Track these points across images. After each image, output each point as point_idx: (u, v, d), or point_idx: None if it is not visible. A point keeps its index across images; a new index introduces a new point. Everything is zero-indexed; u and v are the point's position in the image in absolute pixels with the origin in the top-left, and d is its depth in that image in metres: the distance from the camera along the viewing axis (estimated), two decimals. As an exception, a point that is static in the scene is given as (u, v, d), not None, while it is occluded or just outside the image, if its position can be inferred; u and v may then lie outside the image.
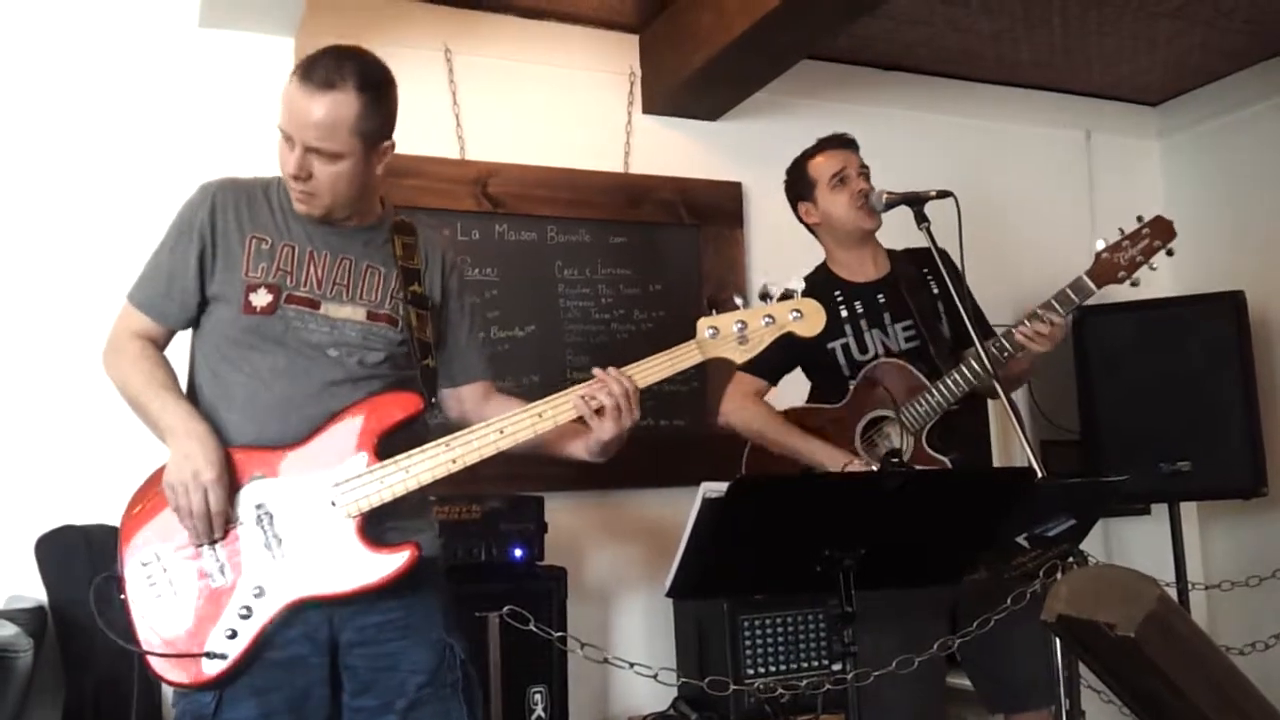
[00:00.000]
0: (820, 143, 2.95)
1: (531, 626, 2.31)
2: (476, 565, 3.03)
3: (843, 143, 2.92)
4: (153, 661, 1.94)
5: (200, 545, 1.95)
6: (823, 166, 2.89)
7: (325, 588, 1.97)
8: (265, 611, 1.95)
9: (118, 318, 2.14)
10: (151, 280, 2.11)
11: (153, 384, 2.03)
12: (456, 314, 2.27)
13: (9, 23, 3.11)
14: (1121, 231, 2.62)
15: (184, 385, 2.10)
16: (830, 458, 2.70)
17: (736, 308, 2.14)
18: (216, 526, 1.94)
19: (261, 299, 2.04)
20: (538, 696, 3.03)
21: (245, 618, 1.94)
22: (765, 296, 2.14)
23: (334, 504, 1.99)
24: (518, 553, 3.11)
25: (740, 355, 2.15)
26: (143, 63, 3.17)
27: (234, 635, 1.93)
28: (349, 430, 2.03)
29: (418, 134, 3.66)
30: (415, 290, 2.15)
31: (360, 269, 2.12)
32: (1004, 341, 2.63)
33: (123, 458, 3.07)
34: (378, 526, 2.01)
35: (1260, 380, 4.07)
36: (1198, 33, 4.15)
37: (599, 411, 2.08)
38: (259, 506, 1.98)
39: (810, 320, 2.14)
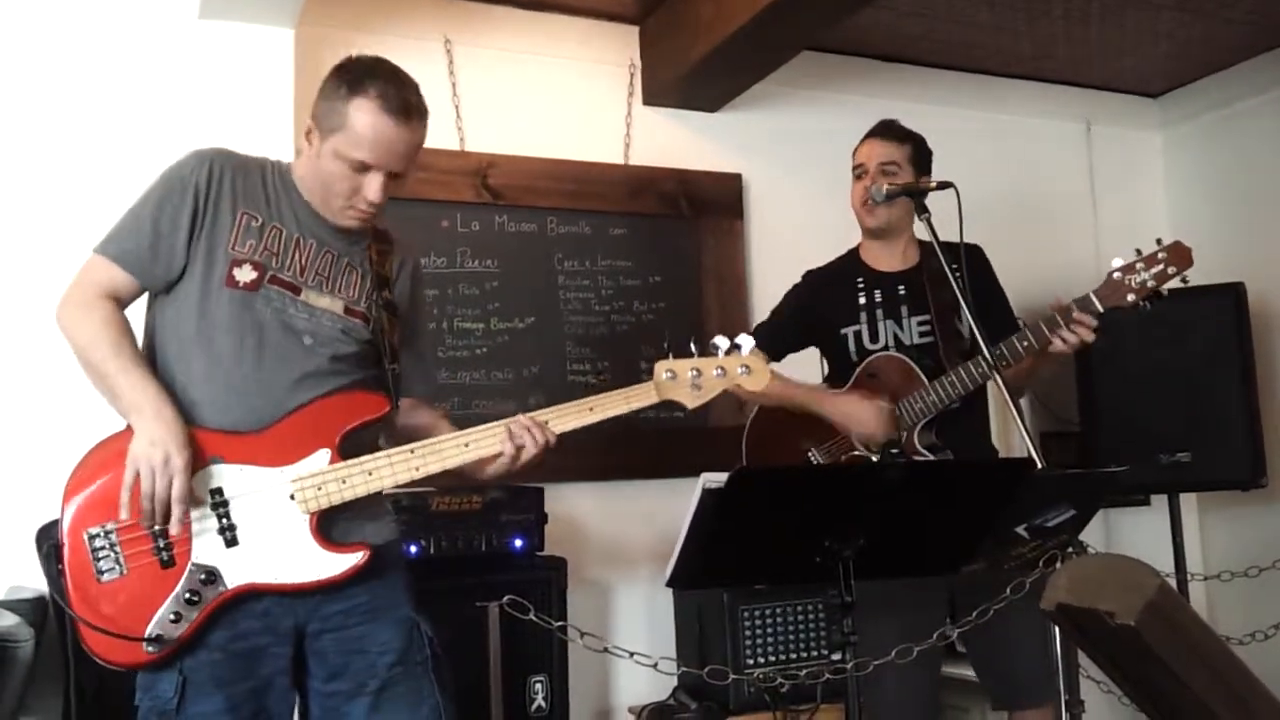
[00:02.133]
0: (872, 128, 2.91)
1: (532, 616, 2.31)
2: (477, 556, 3.03)
3: (880, 132, 2.88)
4: (91, 641, 1.91)
5: (153, 527, 1.92)
6: (857, 155, 2.89)
7: (274, 578, 1.98)
8: (211, 597, 1.94)
9: (83, 270, 2.07)
10: (133, 234, 2.05)
11: (121, 354, 1.98)
12: (415, 325, 2.32)
13: (9, 14, 3.10)
14: (1138, 253, 2.55)
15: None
16: (835, 404, 2.73)
17: (692, 355, 2.22)
18: (175, 513, 1.91)
19: (246, 274, 2.03)
20: (538, 686, 3.04)
21: (192, 602, 1.93)
22: (715, 349, 2.22)
23: (292, 498, 1.99)
24: (518, 543, 3.11)
25: (692, 401, 2.22)
26: (144, 54, 3.17)
27: (177, 619, 1.92)
28: (314, 424, 2.02)
29: (418, 125, 3.67)
30: (387, 296, 2.19)
31: (341, 264, 2.14)
32: (1015, 344, 2.60)
33: (123, 448, 3.08)
34: (331, 521, 2.02)
35: (1260, 372, 4.07)
36: (1199, 24, 4.14)
37: (519, 449, 2.10)
38: (215, 491, 1.97)
39: (757, 376, 2.23)
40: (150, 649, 1.90)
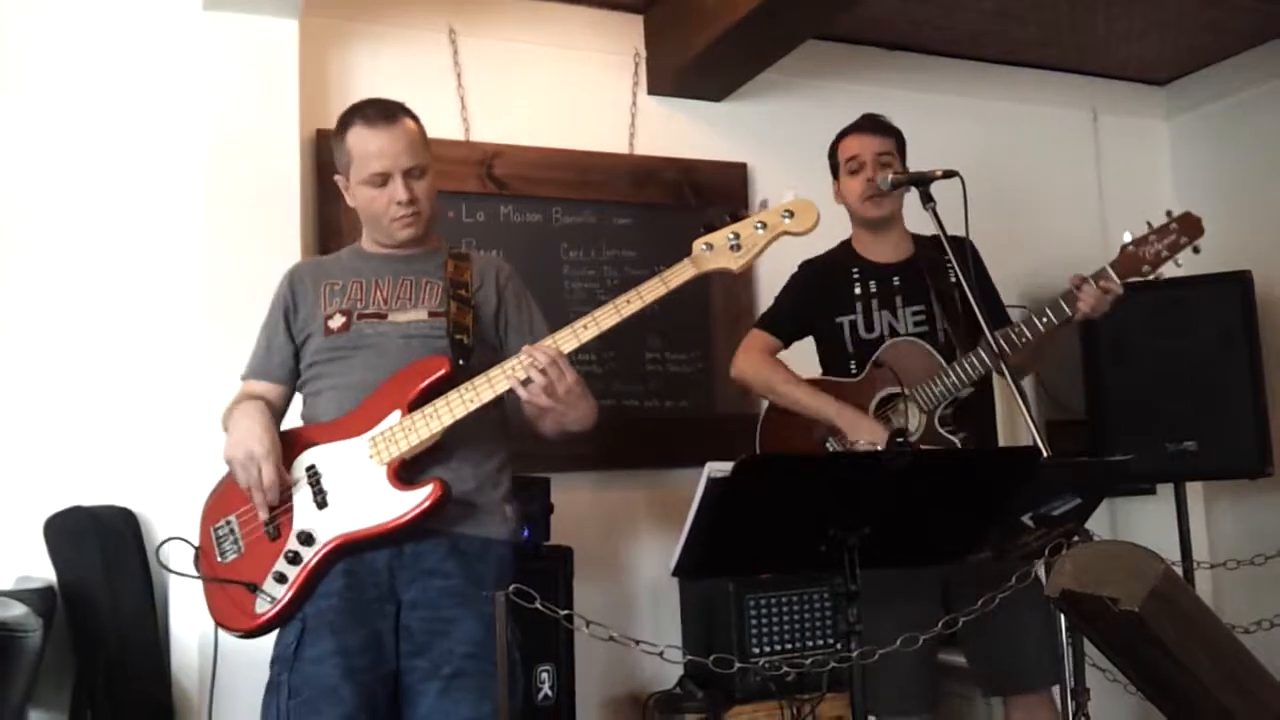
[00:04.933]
0: (854, 123, 2.95)
1: (538, 605, 2.31)
2: (483, 545, 3.03)
3: (870, 127, 2.91)
4: (212, 609, 2.22)
5: (261, 510, 2.20)
6: (845, 149, 2.92)
7: (359, 525, 2.19)
8: (310, 554, 2.19)
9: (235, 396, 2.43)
10: (254, 353, 2.46)
11: (231, 409, 2.35)
12: (518, 317, 2.49)
13: (15, 7, 3.11)
14: (1149, 225, 2.62)
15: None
16: (840, 413, 2.73)
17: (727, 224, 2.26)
18: (271, 494, 2.19)
19: (337, 322, 2.36)
20: (544, 675, 3.05)
21: (293, 561, 2.18)
22: (763, 207, 2.28)
23: (369, 456, 2.21)
24: (524, 533, 3.11)
25: (735, 262, 2.24)
26: (149, 46, 3.18)
27: (283, 579, 2.18)
28: (389, 394, 2.26)
29: (422, 115, 3.64)
30: (460, 292, 2.40)
31: (421, 284, 2.40)
32: (1024, 328, 2.62)
33: (130, 440, 3.10)
34: (409, 472, 2.21)
35: (1267, 360, 4.05)
36: (1206, 12, 4.13)
37: (524, 383, 2.22)
38: (310, 469, 2.24)
39: (802, 217, 2.22)
40: (261, 606, 2.17)
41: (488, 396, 2.23)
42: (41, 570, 2.87)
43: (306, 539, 2.19)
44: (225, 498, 2.29)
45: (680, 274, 2.26)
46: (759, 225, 2.22)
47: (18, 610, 2.52)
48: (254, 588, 2.18)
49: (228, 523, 2.26)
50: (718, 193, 4.03)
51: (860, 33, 4.20)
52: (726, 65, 3.83)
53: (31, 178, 3.08)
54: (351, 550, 2.20)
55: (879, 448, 2.58)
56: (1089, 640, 1.89)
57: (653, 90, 4.01)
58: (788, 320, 2.99)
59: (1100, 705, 2.29)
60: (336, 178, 2.44)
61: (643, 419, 3.82)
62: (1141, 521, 4.45)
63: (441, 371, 2.25)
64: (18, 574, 2.88)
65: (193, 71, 3.13)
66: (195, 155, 3.10)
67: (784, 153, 4.11)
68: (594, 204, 3.86)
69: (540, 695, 3.04)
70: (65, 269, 3.09)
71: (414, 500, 2.17)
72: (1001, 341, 2.55)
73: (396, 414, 2.23)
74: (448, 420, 2.21)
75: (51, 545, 2.88)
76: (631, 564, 3.74)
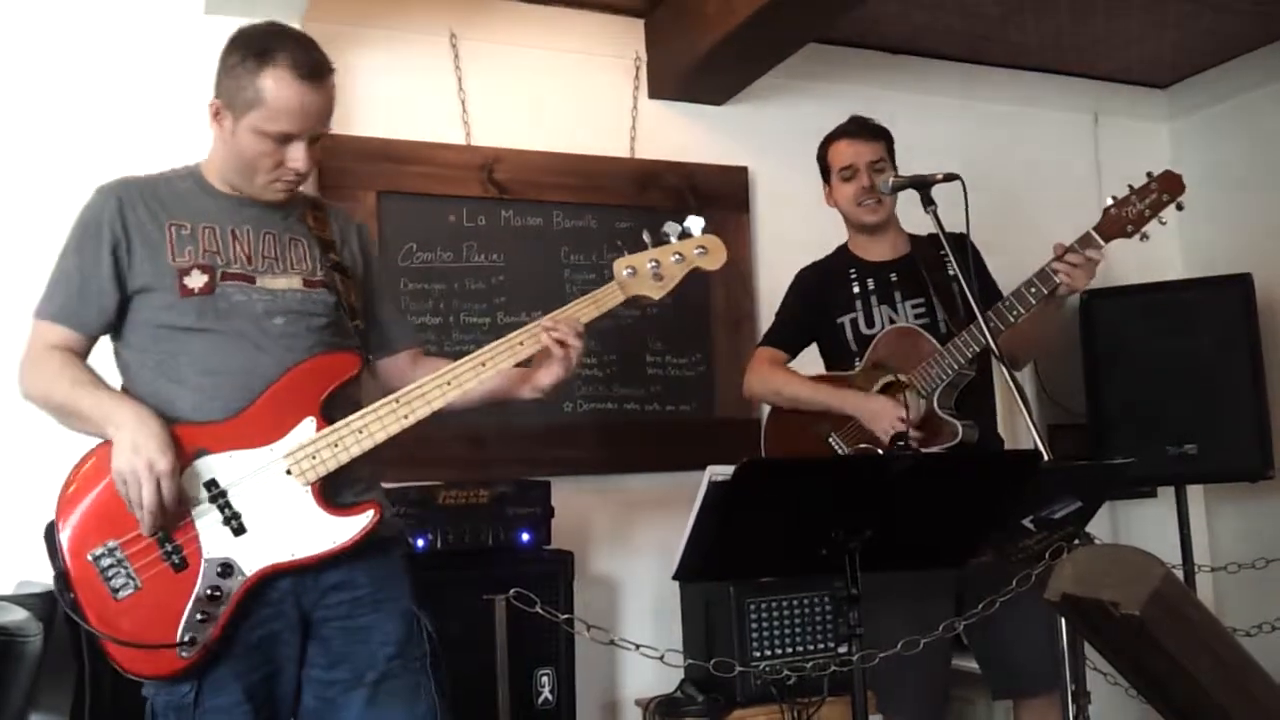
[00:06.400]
0: (844, 126, 2.97)
1: (538, 609, 2.31)
2: (484, 549, 3.04)
3: (862, 133, 2.93)
4: (120, 658, 1.89)
5: (155, 534, 1.90)
6: (838, 156, 2.94)
7: (291, 555, 1.96)
8: (234, 588, 1.93)
9: (29, 338, 2.06)
10: (62, 289, 2.04)
11: (80, 384, 1.97)
12: (379, 283, 2.31)
13: (16, 9, 3.11)
14: (1131, 188, 2.61)
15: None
16: (849, 401, 2.76)
17: (646, 246, 2.26)
18: (171, 516, 1.89)
19: (197, 280, 2.00)
20: (545, 679, 3.05)
21: (215, 598, 1.91)
22: (667, 237, 2.28)
23: (288, 473, 1.97)
24: (525, 537, 3.11)
25: (657, 292, 2.27)
26: (150, 49, 3.17)
27: (206, 618, 1.90)
28: (292, 395, 2.00)
29: (423, 120, 3.68)
30: (334, 258, 2.15)
31: (285, 240, 2.12)
32: (1014, 301, 2.62)
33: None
34: (334, 488, 2.01)
35: (1267, 363, 4.05)
36: (1207, 15, 4.12)
37: (560, 343, 2.14)
38: (210, 484, 1.94)
39: (714, 255, 2.30)
40: (184, 653, 1.89)
41: (437, 405, 2.07)
42: (42, 575, 2.86)
43: (226, 570, 1.91)
44: (102, 515, 1.90)
45: (611, 298, 2.24)
46: (676, 256, 2.27)
47: (18, 615, 2.51)
48: (182, 645, 1.88)
49: (109, 550, 1.89)
50: (719, 196, 4.03)
51: (861, 36, 4.20)
52: (727, 68, 3.83)
53: (32, 180, 3.08)
54: (267, 586, 1.96)
55: (903, 426, 2.59)
56: (1090, 644, 1.89)
57: (654, 94, 4.01)
58: (790, 330, 3.02)
59: (1102, 708, 2.29)
60: (214, 103, 2.04)
61: (644, 422, 3.82)
62: (1142, 524, 4.44)
63: (354, 372, 2.08)
64: (18, 579, 2.88)
65: (194, 75, 3.12)
66: (197, 159, 3.09)
67: (785, 156, 4.11)
68: (595, 208, 3.86)
69: (540, 699, 3.04)
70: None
71: (352, 528, 1.98)
72: (995, 319, 2.57)
73: (310, 423, 1.99)
74: (381, 437, 2.02)
75: (52, 550, 2.87)
76: (632, 568, 3.74)
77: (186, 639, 1.89)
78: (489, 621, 2.92)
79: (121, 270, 2.02)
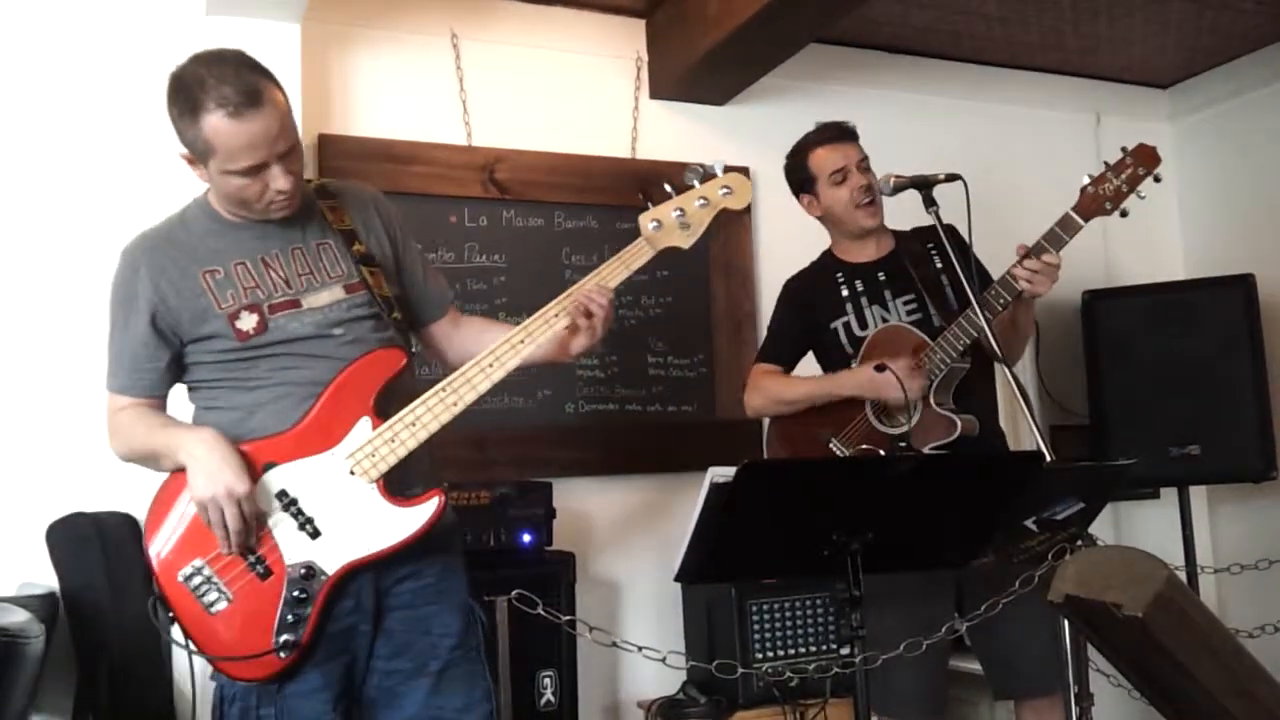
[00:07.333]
0: (820, 133, 2.94)
1: (540, 610, 2.32)
2: (486, 550, 3.03)
3: (843, 135, 2.92)
4: (229, 670, 2.00)
5: (225, 547, 1.98)
6: (824, 161, 2.90)
7: (368, 550, 2.03)
8: (318, 588, 2.01)
9: (107, 408, 2.16)
10: (118, 364, 2.13)
11: (152, 428, 2.08)
12: (409, 258, 2.30)
13: (17, 11, 3.11)
14: (1106, 164, 2.60)
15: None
16: (856, 379, 2.74)
17: (669, 196, 2.23)
18: (253, 534, 1.98)
19: (248, 321, 2.07)
20: (547, 680, 3.05)
21: (302, 600, 2.00)
22: (691, 180, 2.25)
23: (352, 473, 2.04)
24: (526, 538, 3.12)
25: (686, 241, 2.25)
26: (151, 50, 3.17)
27: (296, 620, 1.99)
28: (344, 399, 2.06)
29: (424, 120, 3.68)
30: (359, 250, 2.17)
31: (314, 250, 2.14)
32: (1000, 289, 2.61)
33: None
34: (398, 481, 2.07)
35: (1270, 364, 4.05)
36: (1209, 15, 4.12)
37: (582, 320, 2.18)
38: (281, 494, 2.02)
39: (739, 193, 2.26)
40: (284, 654, 1.99)
41: (483, 387, 2.11)
42: (44, 577, 2.86)
43: (309, 573, 2.01)
44: (184, 537, 2.01)
45: (640, 255, 2.22)
46: (701, 201, 2.23)
47: (20, 617, 2.51)
48: (281, 647, 1.98)
49: (197, 568, 1.99)
50: (720, 197, 4.02)
51: (863, 36, 4.20)
52: (729, 69, 3.83)
53: (33, 181, 3.08)
54: (346, 580, 2.05)
55: (911, 395, 2.58)
56: (1092, 645, 1.88)
57: (655, 94, 4.01)
58: (784, 343, 2.99)
59: (1104, 710, 2.28)
60: (182, 154, 2.04)
61: (645, 424, 3.81)
62: (1145, 526, 4.44)
63: (399, 367, 2.11)
64: (20, 580, 2.88)
65: (195, 77, 3.13)
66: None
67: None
68: (596, 208, 3.85)
69: (543, 701, 3.04)
70: (68, 274, 3.09)
71: (420, 516, 2.04)
72: (989, 298, 2.56)
73: (366, 422, 2.05)
74: (434, 427, 2.07)
75: (54, 551, 2.87)
76: (634, 569, 3.73)
77: (282, 641, 1.99)
78: (491, 622, 2.91)
79: (165, 333, 2.09)
